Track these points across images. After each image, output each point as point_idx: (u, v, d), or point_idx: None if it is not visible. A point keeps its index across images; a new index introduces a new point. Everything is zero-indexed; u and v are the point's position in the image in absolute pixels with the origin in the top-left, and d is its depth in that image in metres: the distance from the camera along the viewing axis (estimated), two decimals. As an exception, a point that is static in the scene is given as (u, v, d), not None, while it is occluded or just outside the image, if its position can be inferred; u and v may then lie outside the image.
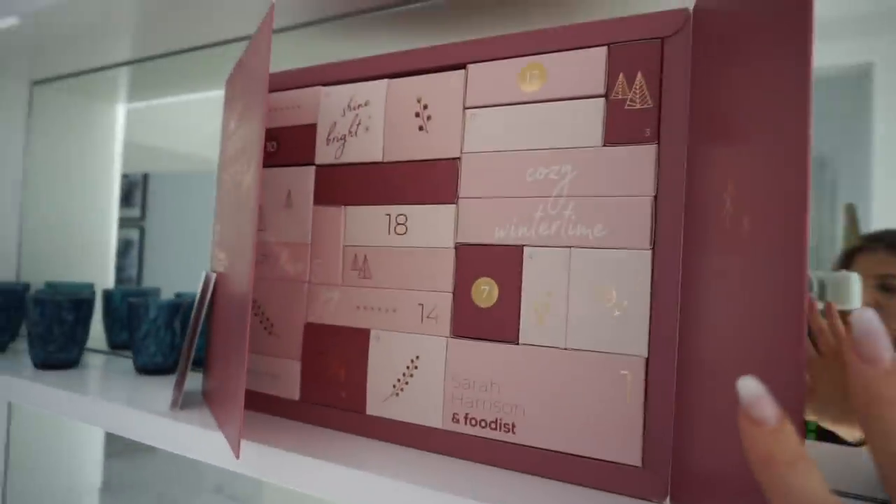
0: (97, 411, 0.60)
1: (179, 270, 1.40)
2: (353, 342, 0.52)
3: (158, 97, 1.17)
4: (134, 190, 1.84)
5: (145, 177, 1.89)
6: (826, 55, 0.52)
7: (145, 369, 0.73)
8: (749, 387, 0.21)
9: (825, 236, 0.51)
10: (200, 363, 0.72)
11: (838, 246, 0.50)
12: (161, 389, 0.66)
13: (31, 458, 1.05)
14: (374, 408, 0.51)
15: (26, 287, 0.91)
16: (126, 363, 0.81)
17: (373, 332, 0.51)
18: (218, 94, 1.08)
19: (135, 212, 1.83)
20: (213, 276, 0.60)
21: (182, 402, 0.58)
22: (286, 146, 0.59)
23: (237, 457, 0.42)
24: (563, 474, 0.42)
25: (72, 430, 1.11)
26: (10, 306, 0.84)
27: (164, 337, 0.73)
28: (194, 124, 1.26)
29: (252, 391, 0.58)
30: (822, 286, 0.69)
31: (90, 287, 0.99)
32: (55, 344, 0.74)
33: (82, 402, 0.62)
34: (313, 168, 0.56)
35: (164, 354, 0.73)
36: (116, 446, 1.18)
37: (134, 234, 1.83)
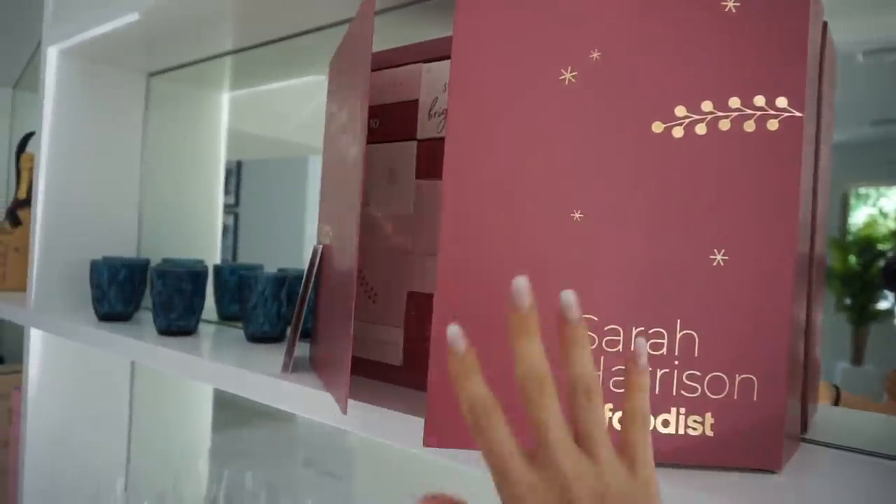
0: (216, 373, 0.65)
1: (272, 254, 1.47)
2: (455, 311, 0.54)
3: (257, 85, 1.23)
4: (229, 177, 1.94)
5: (239, 164, 1.98)
6: None
7: (255, 337, 0.79)
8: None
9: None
10: (307, 334, 0.76)
11: None
12: (270, 355, 0.70)
13: (151, 421, 1.14)
14: (474, 374, 0.52)
15: (147, 262, 0.99)
16: (236, 332, 0.87)
17: (474, 301, 0.53)
18: (311, 80, 1.12)
19: (230, 199, 1.93)
20: (320, 248, 0.63)
21: (292, 367, 0.62)
22: (389, 123, 0.61)
23: (344, 412, 0.45)
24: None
25: (186, 399, 1.20)
26: (134, 279, 0.92)
27: (272, 307, 0.78)
28: (287, 111, 1.32)
29: (357, 357, 0.61)
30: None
31: (202, 262, 1.06)
32: (176, 312, 0.80)
33: (202, 364, 0.68)
34: (415, 143, 0.58)
35: (271, 324, 0.78)
36: (217, 421, 1.26)
37: (229, 220, 1.93)
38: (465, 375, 0.30)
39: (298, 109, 1.27)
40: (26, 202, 1.26)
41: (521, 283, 0.30)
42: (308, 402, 0.55)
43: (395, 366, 0.58)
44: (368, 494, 1.02)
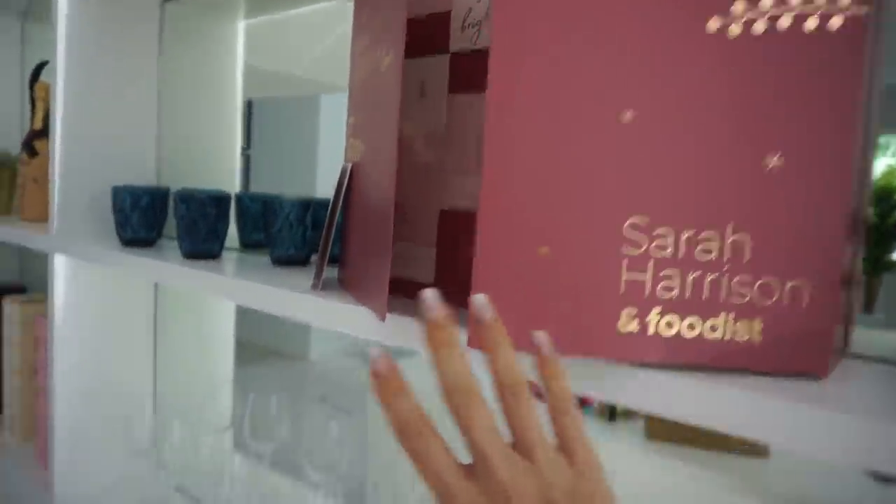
0: (247, 291, 0.65)
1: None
2: (488, 227, 0.53)
3: (273, 11, 1.19)
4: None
5: (250, 104, 1.95)
6: None
7: (280, 261, 0.79)
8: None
9: None
10: (334, 259, 0.76)
11: None
12: (298, 277, 0.70)
13: (175, 348, 1.16)
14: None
15: (168, 190, 0.98)
16: (261, 259, 0.87)
17: (509, 216, 0.52)
18: (330, 6, 1.09)
19: (241, 141, 1.91)
20: (349, 166, 0.62)
21: (321, 287, 0.62)
22: (419, 36, 0.59)
23: (383, 318, 0.45)
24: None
25: (208, 327, 1.21)
26: (156, 206, 0.92)
27: (297, 232, 0.77)
28: (303, 44, 1.28)
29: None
30: None
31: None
32: (200, 236, 0.80)
33: (233, 283, 0.68)
34: (447, 56, 0.56)
35: (297, 248, 0.78)
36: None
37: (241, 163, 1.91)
38: (393, 395, 0.30)
39: (315, 42, 1.23)
40: (42, 132, 1.25)
41: (429, 293, 0.31)
42: (339, 315, 0.56)
43: (425, 284, 0.58)
44: (381, 429, 1.04)
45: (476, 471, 0.29)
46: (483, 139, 0.41)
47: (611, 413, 1.73)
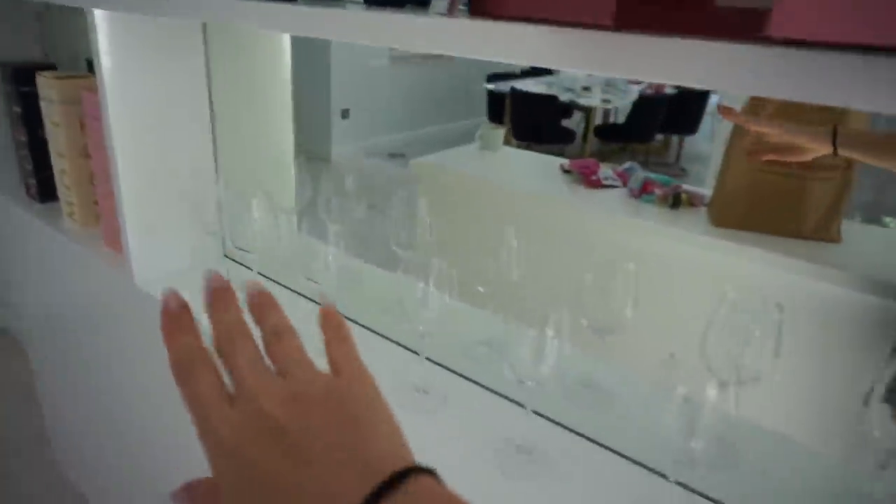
0: (383, 27, 0.54)
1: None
2: None
3: None
4: None
5: None
6: None
7: (374, 0, 0.66)
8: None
9: None
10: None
11: None
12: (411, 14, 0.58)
13: (233, 121, 1.07)
14: None
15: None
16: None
17: None
18: None
19: None
20: None
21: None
22: None
23: None
24: None
25: (264, 98, 1.11)
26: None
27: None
28: None
29: None
30: None
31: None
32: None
33: (357, 18, 0.56)
34: None
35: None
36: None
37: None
38: (176, 331, 0.32)
39: None
40: None
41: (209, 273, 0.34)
42: (505, 37, 0.45)
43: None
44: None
45: (237, 397, 0.30)
46: None
47: (674, 201, 1.68)
